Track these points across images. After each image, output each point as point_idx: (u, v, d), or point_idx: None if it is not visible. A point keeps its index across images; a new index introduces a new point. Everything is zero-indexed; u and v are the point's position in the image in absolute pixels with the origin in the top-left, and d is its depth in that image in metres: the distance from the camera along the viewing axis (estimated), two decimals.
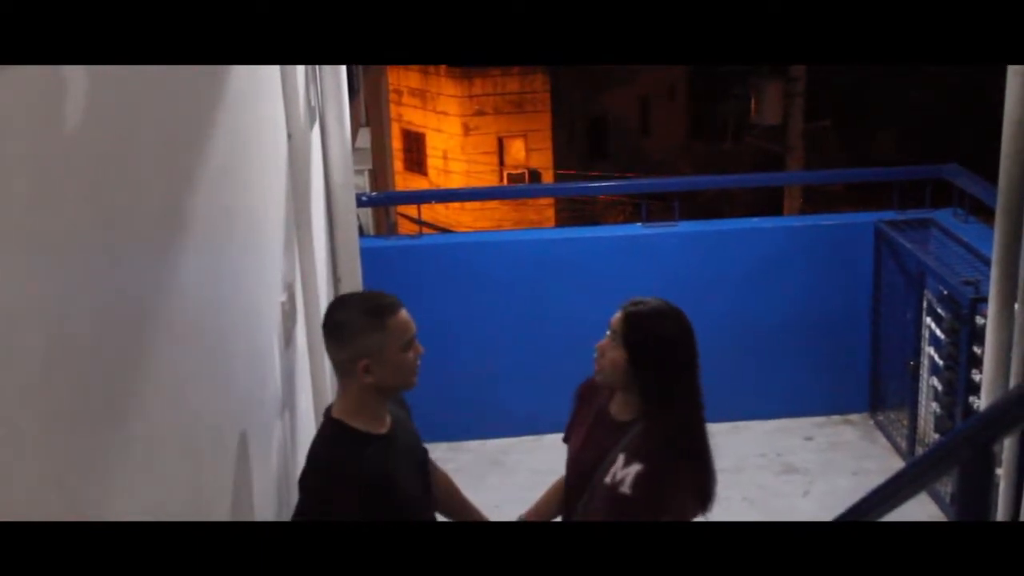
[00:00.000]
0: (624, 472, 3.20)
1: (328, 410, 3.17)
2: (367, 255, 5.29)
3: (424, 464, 3.34)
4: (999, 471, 4.07)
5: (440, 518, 3.50)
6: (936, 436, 5.78)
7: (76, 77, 1.79)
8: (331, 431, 3.10)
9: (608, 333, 3.30)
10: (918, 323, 5.92)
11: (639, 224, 6.65)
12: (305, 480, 3.06)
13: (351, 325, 3.06)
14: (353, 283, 5.02)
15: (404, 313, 3.11)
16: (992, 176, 4.42)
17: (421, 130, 27.23)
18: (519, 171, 26.47)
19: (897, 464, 5.87)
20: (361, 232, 6.19)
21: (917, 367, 5.94)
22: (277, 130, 3.98)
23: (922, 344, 5.90)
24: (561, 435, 3.62)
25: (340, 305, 3.24)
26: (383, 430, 3.11)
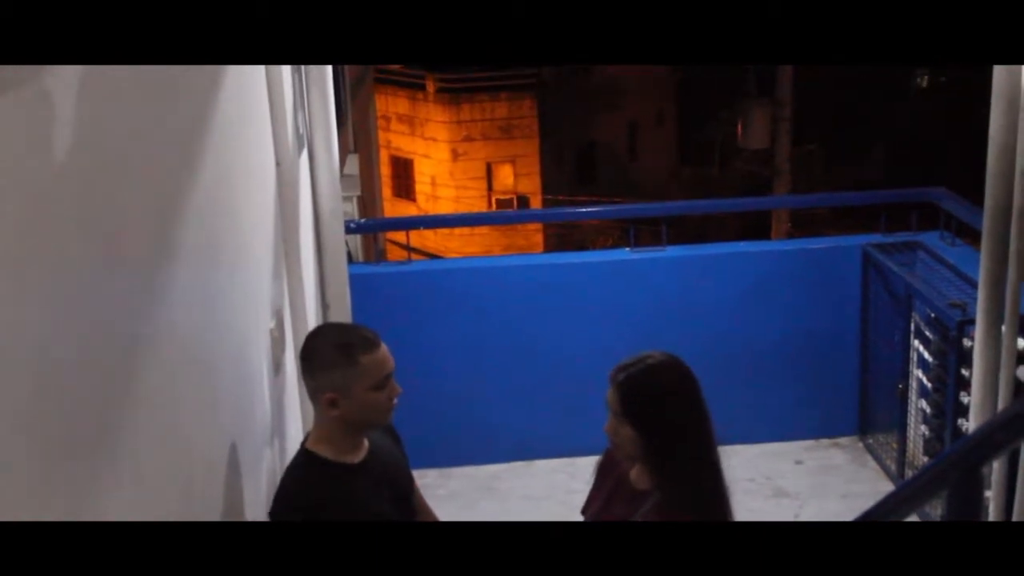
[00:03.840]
0: None
1: (304, 439, 3.17)
2: (356, 282, 5.29)
3: (407, 494, 3.32)
4: (988, 493, 4.07)
5: None
6: (925, 459, 5.78)
7: (64, 104, 1.80)
8: (301, 460, 3.08)
9: (609, 413, 3.06)
10: (906, 346, 5.94)
11: (627, 249, 6.66)
12: (272, 509, 3.05)
13: (321, 357, 3.03)
14: (342, 310, 5.02)
15: (380, 352, 3.02)
16: (978, 199, 4.44)
17: (409, 156, 27.26)
18: (507, 197, 26.51)
19: (887, 487, 5.88)
20: (350, 258, 6.19)
21: (906, 390, 5.95)
22: (265, 157, 3.98)
23: (910, 367, 5.91)
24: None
25: (316, 335, 3.21)
26: (356, 459, 3.07)
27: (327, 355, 3.01)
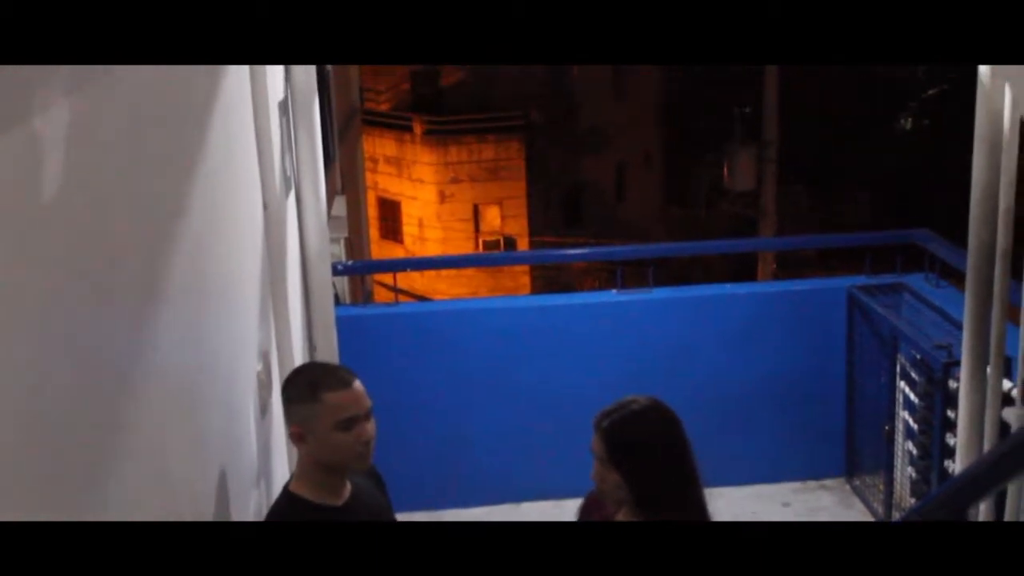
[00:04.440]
0: None
1: (288, 481, 3.16)
2: (343, 323, 5.29)
3: None
4: None
5: None
6: (912, 501, 5.78)
7: (53, 146, 1.81)
8: (283, 502, 3.07)
9: (594, 460, 3.05)
10: (892, 387, 5.95)
11: (614, 291, 6.68)
12: None
13: (293, 391, 3.04)
14: (329, 352, 5.01)
15: (348, 393, 2.98)
16: (962, 240, 4.47)
17: (397, 198, 27.30)
18: (494, 238, 26.55)
19: None
20: (337, 300, 6.20)
21: (892, 431, 5.95)
22: (253, 200, 3.99)
23: (897, 408, 5.92)
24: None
25: (297, 370, 3.25)
26: (338, 502, 3.05)
27: (297, 390, 3.03)
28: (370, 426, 3.01)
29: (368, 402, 3.03)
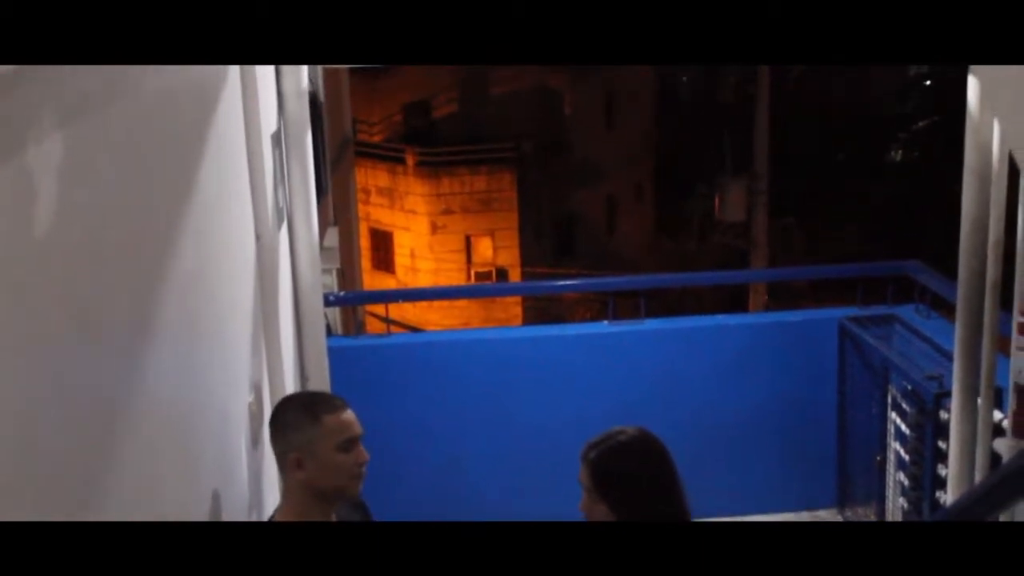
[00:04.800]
0: None
1: (272, 514, 3.16)
2: (335, 355, 5.29)
3: None
4: None
5: None
6: None
7: (45, 180, 1.82)
8: None
9: (582, 490, 3.07)
10: (884, 418, 5.95)
11: (605, 322, 6.68)
12: None
13: (288, 419, 3.05)
14: (321, 383, 5.01)
15: (346, 414, 3.04)
16: (952, 271, 4.49)
17: (389, 229, 27.33)
18: (486, 269, 26.58)
19: None
20: (329, 331, 6.20)
21: (884, 462, 5.96)
22: (245, 231, 4.00)
23: (888, 439, 5.92)
24: None
25: (283, 401, 3.25)
26: None
27: (293, 417, 3.04)
28: (364, 450, 3.05)
29: (361, 427, 3.07)
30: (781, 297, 20.36)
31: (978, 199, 4.09)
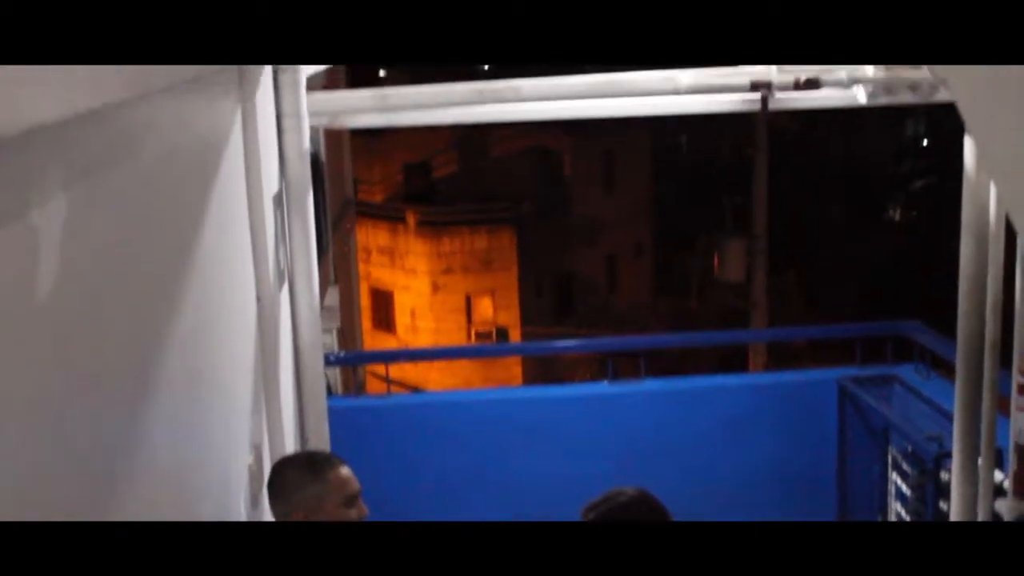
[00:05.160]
0: None
1: None
2: (335, 415, 5.28)
3: None
4: None
5: None
6: None
7: (49, 239, 1.83)
8: None
9: None
10: (884, 479, 5.94)
11: (605, 382, 6.68)
12: None
13: (290, 480, 3.05)
14: (321, 444, 4.99)
15: (344, 469, 3.06)
16: (952, 329, 4.49)
17: (389, 288, 27.38)
18: (487, 329, 26.59)
19: None
20: (329, 391, 6.19)
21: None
22: (246, 292, 4.01)
23: (889, 500, 5.90)
24: None
25: (280, 463, 3.24)
26: None
27: (295, 477, 3.03)
28: (364, 505, 3.07)
29: (359, 482, 3.08)
30: (781, 355, 20.36)
31: (976, 259, 4.11)
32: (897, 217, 28.92)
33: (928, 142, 28.72)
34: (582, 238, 27.12)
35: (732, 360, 18.22)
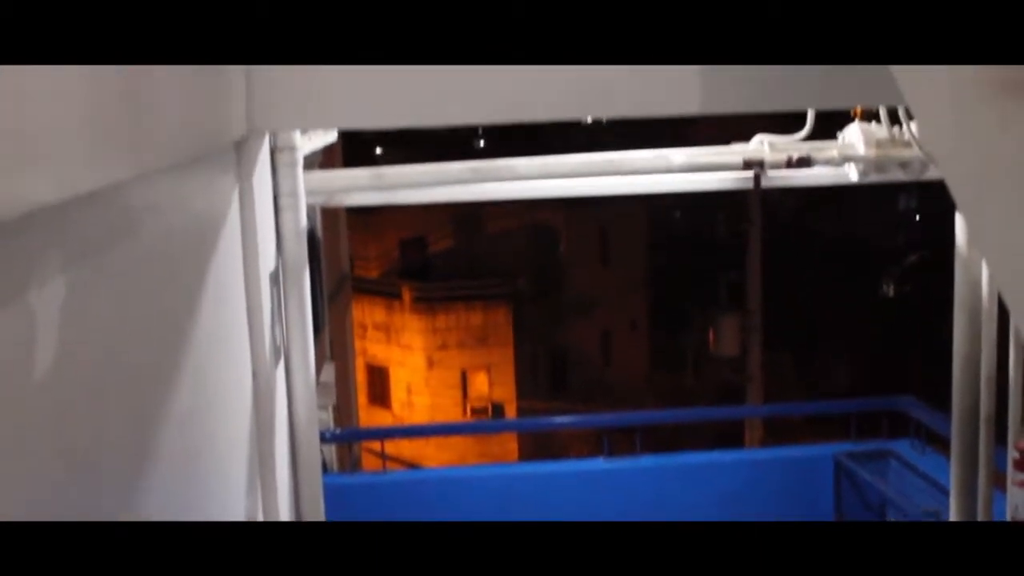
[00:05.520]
0: None
1: None
2: (331, 492, 5.25)
3: None
4: None
5: None
6: None
7: (47, 320, 1.85)
8: None
9: None
10: None
11: (601, 458, 6.67)
12: None
13: None
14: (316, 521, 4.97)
15: None
16: (948, 405, 4.50)
17: (385, 364, 27.35)
18: (482, 405, 26.53)
19: None
20: (325, 468, 6.18)
21: None
22: (242, 369, 4.02)
23: None
24: None
25: None
26: None
27: None
28: None
29: None
30: (776, 430, 20.30)
31: (969, 335, 4.14)
32: (891, 291, 29.00)
33: (920, 216, 28.88)
34: (577, 313, 27.16)
35: (728, 435, 18.17)
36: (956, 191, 1.49)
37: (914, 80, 1.61)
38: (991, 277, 3.94)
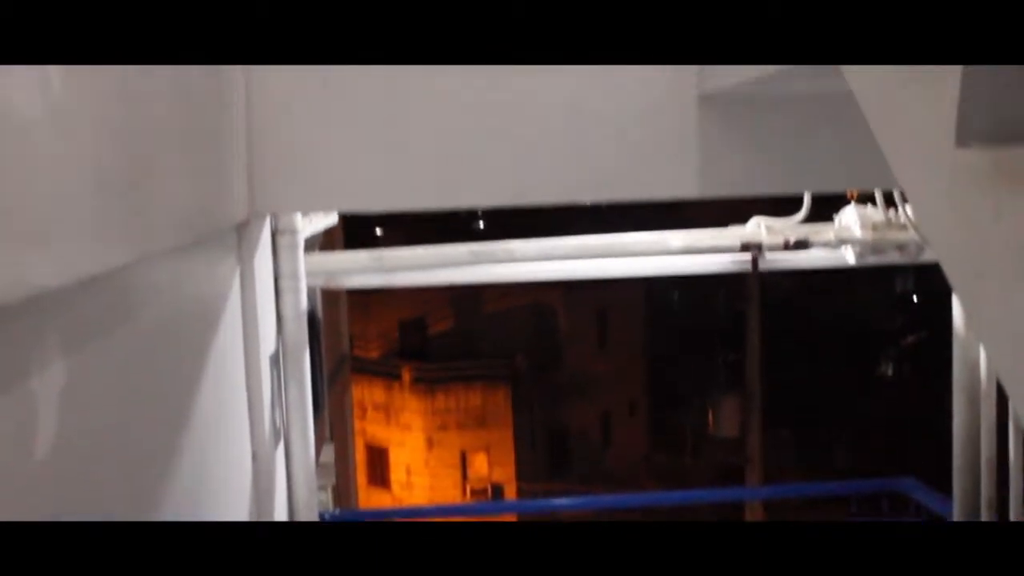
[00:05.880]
0: None
1: None
2: None
3: None
4: None
5: None
6: None
7: (48, 404, 1.85)
8: None
9: None
10: None
11: None
12: None
13: None
14: None
15: None
16: (949, 487, 4.49)
17: (384, 444, 27.25)
18: (482, 485, 26.40)
19: None
20: None
21: None
22: (242, 450, 4.02)
23: None
24: None
25: None
26: None
27: None
28: None
29: None
30: (777, 512, 20.19)
31: (968, 417, 4.14)
32: (890, 372, 28.99)
33: (918, 297, 28.96)
34: (577, 394, 27.12)
35: (728, 517, 18.06)
36: (952, 277, 1.51)
37: (909, 166, 1.64)
38: (989, 360, 3.95)
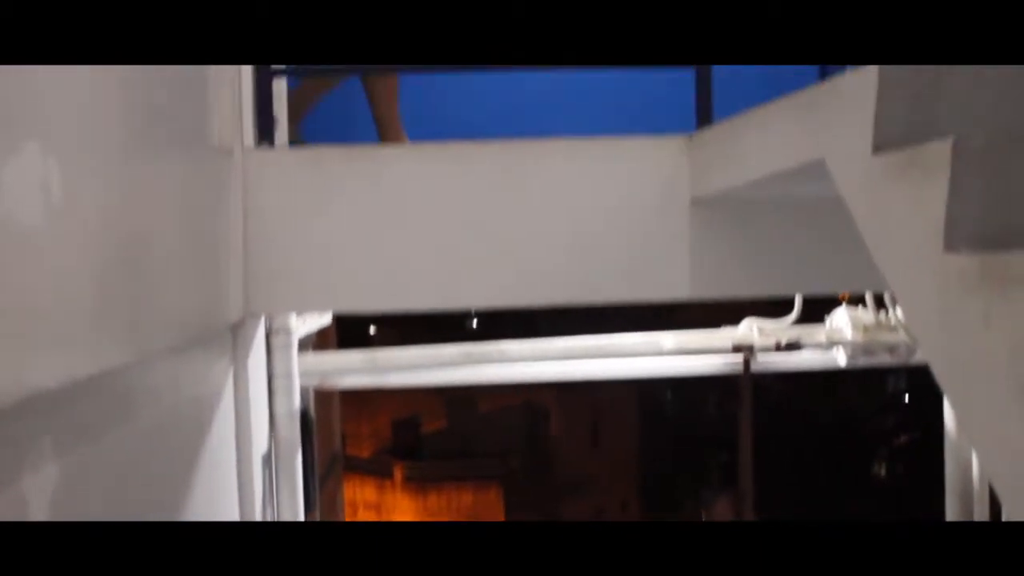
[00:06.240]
0: None
1: None
2: None
3: None
4: None
5: None
6: None
7: (40, 505, 1.85)
8: None
9: None
10: None
11: None
12: None
13: None
14: None
15: None
16: None
17: None
18: None
19: None
20: None
21: None
22: None
23: None
24: None
25: None
26: None
27: None
28: None
29: None
30: None
31: (961, 518, 4.12)
32: (883, 472, 28.86)
33: (910, 397, 28.93)
34: (569, 493, 26.92)
35: None
36: (942, 380, 1.52)
37: (899, 269, 1.65)
38: (981, 465, 3.95)
